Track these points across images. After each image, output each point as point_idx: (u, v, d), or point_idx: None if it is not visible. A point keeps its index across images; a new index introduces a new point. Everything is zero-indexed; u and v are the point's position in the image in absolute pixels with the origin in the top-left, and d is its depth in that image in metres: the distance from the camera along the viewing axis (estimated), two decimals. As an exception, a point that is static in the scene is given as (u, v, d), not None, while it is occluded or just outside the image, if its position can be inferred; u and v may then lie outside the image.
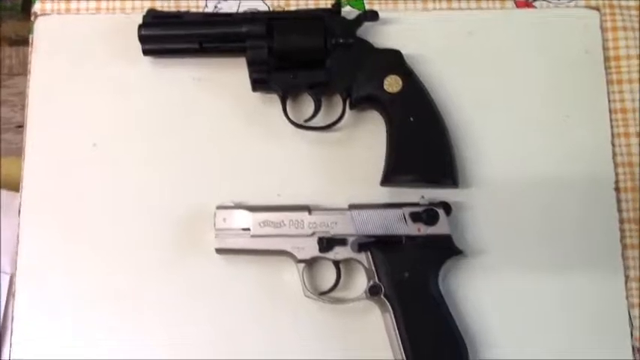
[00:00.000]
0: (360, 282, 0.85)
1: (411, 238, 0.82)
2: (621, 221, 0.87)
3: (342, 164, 0.89)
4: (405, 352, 0.80)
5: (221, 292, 0.86)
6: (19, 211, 0.89)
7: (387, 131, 0.86)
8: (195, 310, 0.85)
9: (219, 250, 0.84)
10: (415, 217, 0.83)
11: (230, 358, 0.84)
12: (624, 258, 0.86)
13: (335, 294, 0.84)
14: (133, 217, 0.88)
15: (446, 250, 0.83)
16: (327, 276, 0.85)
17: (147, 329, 0.85)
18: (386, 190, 0.87)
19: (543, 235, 0.87)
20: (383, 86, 0.85)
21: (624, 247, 0.87)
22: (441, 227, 0.83)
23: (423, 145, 0.84)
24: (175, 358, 0.84)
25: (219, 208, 0.84)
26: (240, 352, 0.84)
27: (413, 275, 0.81)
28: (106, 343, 0.84)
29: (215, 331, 0.85)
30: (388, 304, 0.81)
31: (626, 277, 0.86)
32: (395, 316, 0.81)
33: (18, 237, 0.88)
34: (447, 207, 0.84)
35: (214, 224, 0.83)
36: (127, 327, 0.85)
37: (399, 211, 0.83)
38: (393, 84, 0.85)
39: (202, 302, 0.85)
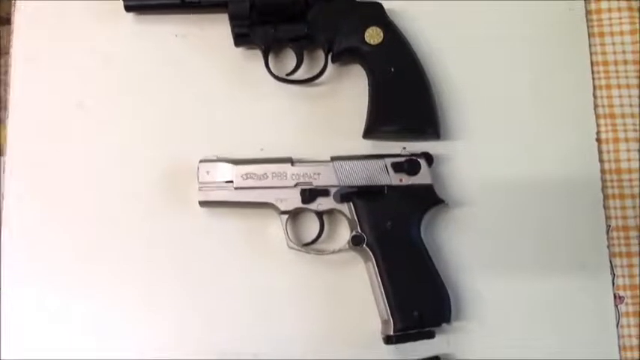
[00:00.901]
0: (344, 233, 0.85)
1: (393, 188, 0.83)
2: (602, 172, 0.88)
3: (325, 118, 0.89)
4: (387, 301, 0.80)
5: (205, 245, 0.86)
6: (4, 173, 0.89)
7: (368, 84, 0.86)
8: (179, 263, 0.86)
9: (202, 203, 0.84)
10: (397, 168, 0.83)
11: (214, 309, 0.84)
12: (605, 208, 0.87)
13: (318, 245, 0.85)
14: (117, 173, 0.88)
15: (428, 199, 0.83)
16: (311, 228, 0.86)
17: (131, 283, 0.85)
18: (369, 143, 0.87)
19: (526, 186, 0.87)
20: (364, 38, 0.85)
21: (606, 197, 0.87)
22: (423, 177, 0.83)
23: (404, 97, 0.85)
24: (160, 312, 0.85)
25: (202, 161, 0.84)
26: (224, 303, 0.85)
27: (395, 225, 0.82)
28: (90, 295, 0.85)
29: (199, 284, 0.85)
30: (371, 253, 0.81)
31: (608, 227, 0.87)
32: (377, 266, 0.81)
33: (3, 197, 0.89)
34: (428, 157, 0.84)
35: (197, 177, 0.84)
36: (111, 280, 0.85)
37: (380, 162, 0.83)
38: (374, 36, 0.85)
39: (186, 255, 0.86)
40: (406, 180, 0.83)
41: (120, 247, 0.86)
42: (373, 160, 0.84)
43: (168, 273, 0.86)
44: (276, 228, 0.85)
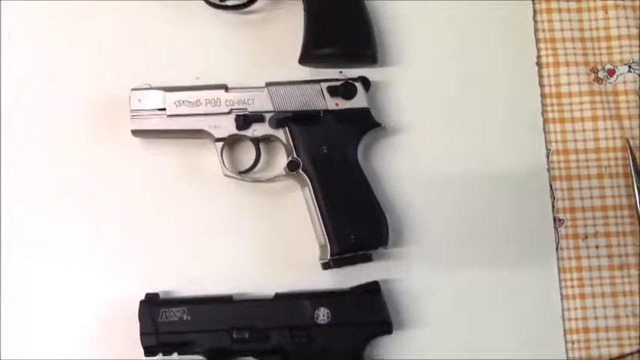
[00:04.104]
0: (281, 161, 0.84)
1: (328, 113, 0.81)
2: (543, 96, 0.87)
3: (262, 46, 0.87)
4: (324, 226, 0.79)
5: (141, 176, 0.84)
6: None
7: (304, 8, 0.84)
8: (114, 194, 0.84)
9: (135, 132, 0.82)
10: (333, 92, 0.82)
11: (152, 238, 0.83)
12: (546, 132, 0.86)
13: (255, 173, 0.83)
14: (48, 104, 0.86)
15: (364, 123, 0.82)
16: (248, 156, 0.84)
17: (66, 217, 0.84)
18: (307, 70, 0.85)
19: (464, 110, 0.86)
20: (298, -40, 0.83)
21: (546, 121, 0.87)
22: (360, 101, 0.82)
23: (340, 20, 0.83)
24: (98, 245, 0.83)
25: (133, 89, 0.82)
26: (161, 232, 0.83)
27: (331, 149, 0.81)
28: (23, 232, 0.83)
29: (136, 214, 0.84)
30: (307, 178, 0.80)
31: (548, 151, 0.86)
32: (314, 190, 0.80)
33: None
34: (365, 81, 0.83)
35: (129, 106, 0.82)
36: (45, 218, 0.84)
37: (316, 86, 0.82)
38: (308, -42, 0.83)
39: (122, 186, 0.84)
40: (342, 104, 0.82)
41: (54, 180, 0.84)
42: (308, 85, 0.82)
43: (105, 202, 0.84)
44: (212, 156, 0.83)
